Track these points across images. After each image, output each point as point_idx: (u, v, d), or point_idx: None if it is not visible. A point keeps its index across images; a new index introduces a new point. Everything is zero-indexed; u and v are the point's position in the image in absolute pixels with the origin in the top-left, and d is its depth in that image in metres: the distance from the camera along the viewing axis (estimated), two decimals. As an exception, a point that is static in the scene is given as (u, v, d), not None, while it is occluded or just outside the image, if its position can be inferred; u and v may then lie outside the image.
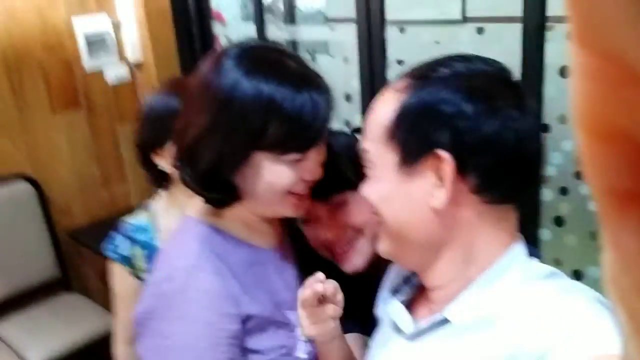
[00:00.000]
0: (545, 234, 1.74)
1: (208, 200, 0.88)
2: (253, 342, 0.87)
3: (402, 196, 0.67)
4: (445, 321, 0.69)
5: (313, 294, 0.82)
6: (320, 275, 0.84)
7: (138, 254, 1.31)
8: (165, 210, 1.35)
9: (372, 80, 2.05)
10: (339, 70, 2.20)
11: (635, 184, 0.14)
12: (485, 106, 0.62)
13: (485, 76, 0.65)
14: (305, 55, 2.30)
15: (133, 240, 1.31)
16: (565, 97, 1.56)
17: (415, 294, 0.80)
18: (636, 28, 0.12)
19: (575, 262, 1.68)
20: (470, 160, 0.63)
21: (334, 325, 0.88)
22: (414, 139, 0.65)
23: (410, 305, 0.79)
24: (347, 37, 2.08)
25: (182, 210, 1.03)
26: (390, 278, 0.88)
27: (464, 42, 1.77)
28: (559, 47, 1.53)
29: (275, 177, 0.81)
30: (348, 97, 2.20)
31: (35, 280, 2.38)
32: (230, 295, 0.83)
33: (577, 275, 1.65)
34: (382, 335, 0.83)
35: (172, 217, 1.23)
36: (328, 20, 2.22)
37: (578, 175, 1.63)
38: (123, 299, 1.34)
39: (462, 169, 0.63)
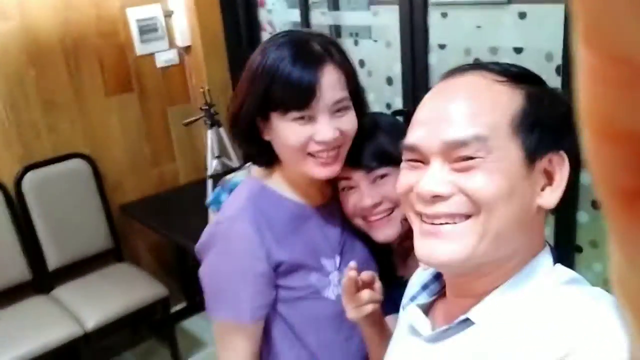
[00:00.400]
0: (583, 216, 1.76)
1: (254, 160, 1.08)
2: (284, 281, 1.04)
3: (520, 193, 0.64)
4: (467, 323, 0.68)
5: (349, 281, 0.92)
6: (353, 264, 0.94)
7: None
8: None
9: (414, 64, 2.09)
10: (381, 54, 2.24)
11: None
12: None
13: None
14: (348, 40, 2.36)
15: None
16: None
17: (433, 301, 0.81)
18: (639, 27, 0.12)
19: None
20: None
21: (371, 310, 0.95)
22: (545, 135, 0.64)
23: (427, 311, 0.79)
24: (390, 22, 2.12)
25: None
26: (412, 282, 0.90)
27: (506, 26, 1.79)
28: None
29: (286, 134, 0.96)
30: (389, 81, 2.25)
31: (91, 250, 2.55)
32: (262, 243, 1.00)
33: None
34: (400, 338, 0.84)
35: None
36: (371, 4, 2.27)
37: None
38: None
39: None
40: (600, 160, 0.14)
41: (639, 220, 0.14)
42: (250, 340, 1.05)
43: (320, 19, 2.45)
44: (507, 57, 1.79)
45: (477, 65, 0.71)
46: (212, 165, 2.36)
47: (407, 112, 2.07)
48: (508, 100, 0.65)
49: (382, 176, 1.05)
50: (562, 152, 0.64)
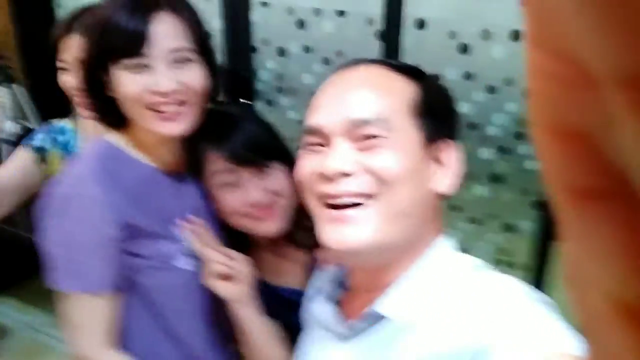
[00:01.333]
0: (481, 190, 1.82)
1: (102, 121, 1.03)
2: (134, 247, 1.00)
3: (419, 175, 0.67)
4: (380, 318, 0.68)
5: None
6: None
7: (56, 152, 1.38)
8: (94, 124, 1.35)
9: (236, 20, 2.01)
10: (198, 7, 2.11)
11: (591, 181, 0.14)
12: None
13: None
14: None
15: (55, 140, 1.38)
16: (420, 49, 1.69)
17: (343, 295, 0.81)
18: (585, 26, 0.12)
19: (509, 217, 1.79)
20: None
21: (216, 270, 1.00)
22: (439, 122, 0.70)
23: (339, 305, 0.79)
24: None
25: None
26: (316, 279, 0.89)
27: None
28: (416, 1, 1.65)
29: (121, 84, 0.94)
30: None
31: None
32: (113, 204, 0.96)
33: (510, 227, 1.79)
34: (313, 337, 0.83)
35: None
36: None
37: (518, 136, 1.70)
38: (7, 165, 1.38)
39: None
40: (551, 158, 0.15)
41: (587, 217, 0.14)
42: (104, 310, 1.01)
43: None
44: (330, 19, 1.82)
45: (371, 60, 0.75)
46: (7, 128, 2.03)
47: (232, 71, 2.00)
48: (403, 87, 0.69)
49: (265, 170, 1.04)
50: (450, 140, 0.70)
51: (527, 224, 1.74)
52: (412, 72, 0.72)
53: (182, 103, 0.95)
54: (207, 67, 0.99)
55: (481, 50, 1.63)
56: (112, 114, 1.00)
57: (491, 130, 1.70)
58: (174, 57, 0.93)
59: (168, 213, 1.05)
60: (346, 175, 0.65)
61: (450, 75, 1.70)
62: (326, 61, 1.86)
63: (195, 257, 1.07)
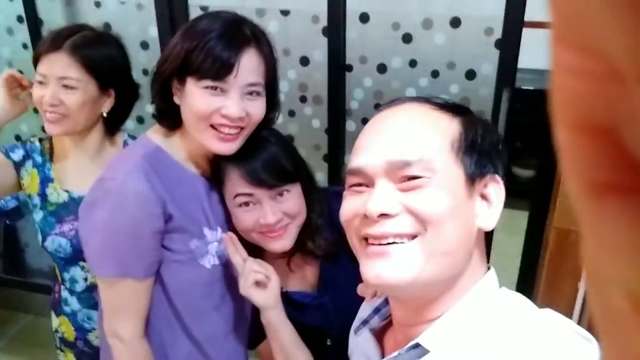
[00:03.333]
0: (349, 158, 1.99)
1: (159, 119, 1.09)
2: (166, 240, 1.07)
3: (464, 213, 0.66)
4: (419, 350, 0.67)
5: (228, 241, 1.07)
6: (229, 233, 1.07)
7: (32, 172, 1.40)
8: (63, 146, 1.41)
9: (173, 26, 1.99)
10: (132, 16, 2.07)
11: (614, 176, 0.14)
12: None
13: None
14: (87, 3, 2.10)
15: (32, 159, 1.41)
16: (364, 40, 1.79)
17: (385, 326, 0.80)
18: (614, 23, 0.12)
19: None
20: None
21: (252, 279, 1.04)
22: (484, 158, 0.67)
23: (379, 335, 0.78)
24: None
25: (88, 153, 1.38)
26: (361, 310, 0.89)
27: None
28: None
29: (195, 100, 1.00)
30: (145, 45, 2.10)
31: None
32: (158, 198, 1.02)
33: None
34: None
35: (69, 154, 1.40)
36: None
37: (377, 107, 1.89)
38: None
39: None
40: (574, 154, 0.15)
41: (607, 213, 0.14)
42: (144, 294, 1.08)
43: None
44: (275, 19, 1.86)
45: (413, 98, 0.74)
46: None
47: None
48: (446, 125, 0.68)
49: (282, 192, 1.08)
50: (497, 176, 0.68)
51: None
52: (455, 109, 0.71)
53: (241, 129, 1.03)
54: (270, 101, 1.08)
55: (423, 38, 1.75)
56: (170, 117, 1.07)
57: (353, 105, 1.88)
58: (248, 89, 1.02)
59: (201, 214, 1.11)
60: (388, 216, 0.65)
61: (396, 64, 1.81)
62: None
63: (220, 259, 1.13)
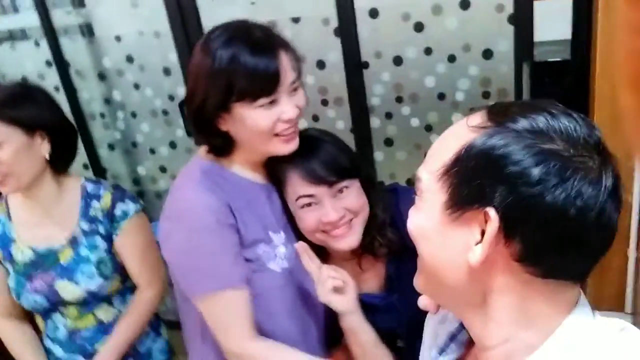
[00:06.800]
0: (379, 155, 2.01)
1: (211, 148, 1.10)
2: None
3: (440, 238, 0.62)
4: None
5: (303, 253, 1.07)
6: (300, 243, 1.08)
7: None
8: (19, 203, 1.40)
9: (191, 50, 2.04)
10: (151, 45, 2.14)
11: None
12: (555, 175, 0.54)
13: (567, 139, 0.56)
14: (106, 36, 2.18)
15: None
16: (376, 35, 1.79)
17: (463, 352, 0.76)
18: None
19: (407, 174, 1.97)
20: (518, 227, 0.56)
21: (331, 285, 1.05)
22: (467, 186, 0.59)
23: None
24: (152, 10, 2.03)
25: (44, 204, 1.37)
26: (434, 334, 0.82)
27: (280, -2, 1.89)
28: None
29: (254, 120, 1.01)
30: (167, 71, 2.17)
31: None
32: (228, 208, 1.05)
33: (410, 182, 1.93)
34: None
35: (26, 210, 1.39)
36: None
37: (399, 100, 1.90)
38: None
39: (507, 234, 0.57)
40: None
41: None
42: (244, 303, 1.07)
43: (66, 18, 2.20)
44: (286, 28, 1.89)
45: (488, 107, 0.64)
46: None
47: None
48: (453, 146, 0.61)
49: (342, 189, 1.10)
50: (487, 209, 0.57)
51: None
52: (492, 118, 0.61)
53: (296, 124, 1.06)
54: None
55: (435, 25, 1.75)
56: (223, 145, 1.08)
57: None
58: (292, 87, 1.03)
59: (265, 219, 1.12)
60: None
61: (411, 54, 1.82)
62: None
63: (289, 262, 1.13)
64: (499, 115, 0.60)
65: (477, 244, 0.59)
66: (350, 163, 1.12)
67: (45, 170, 1.35)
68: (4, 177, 1.28)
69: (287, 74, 1.01)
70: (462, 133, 0.61)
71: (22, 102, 1.31)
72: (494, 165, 0.57)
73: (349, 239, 1.11)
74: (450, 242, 0.62)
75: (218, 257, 1.04)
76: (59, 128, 1.36)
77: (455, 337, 0.76)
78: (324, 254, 1.16)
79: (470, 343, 0.73)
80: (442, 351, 0.76)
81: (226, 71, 0.98)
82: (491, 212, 0.56)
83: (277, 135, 1.04)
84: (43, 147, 1.32)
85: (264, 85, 0.99)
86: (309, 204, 1.10)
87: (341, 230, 1.10)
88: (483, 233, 0.58)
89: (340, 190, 1.10)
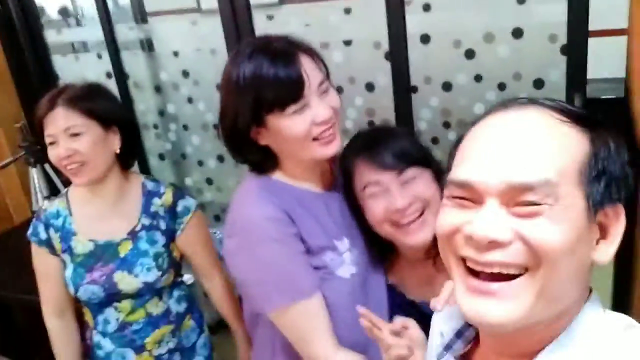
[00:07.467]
0: None
1: (251, 166, 1.13)
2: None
3: (583, 247, 0.58)
4: None
5: (366, 324, 0.96)
6: (362, 309, 0.98)
7: (54, 236, 1.45)
8: (81, 197, 1.46)
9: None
10: (207, 62, 2.22)
11: None
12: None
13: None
14: (165, 52, 2.28)
15: (52, 226, 1.45)
16: (428, 61, 1.81)
17: (469, 348, 0.74)
18: None
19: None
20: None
21: (395, 355, 0.94)
22: (608, 187, 0.58)
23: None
24: (212, 29, 2.10)
25: (109, 198, 1.43)
26: (439, 332, 0.80)
27: (333, 21, 1.93)
28: (417, 18, 1.78)
29: (289, 129, 1.03)
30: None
31: None
32: (288, 219, 1.06)
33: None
34: None
35: (88, 204, 1.45)
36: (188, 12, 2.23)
37: (446, 125, 1.91)
38: (44, 277, 1.49)
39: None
40: None
41: None
42: (320, 311, 1.07)
43: (128, 33, 2.31)
44: (339, 50, 1.93)
45: (534, 101, 0.63)
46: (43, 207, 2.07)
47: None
48: (576, 145, 0.59)
49: (411, 179, 1.08)
50: (619, 205, 0.59)
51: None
52: (584, 121, 0.61)
53: (333, 125, 1.06)
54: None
55: (486, 52, 1.76)
56: (266, 161, 1.10)
57: (421, 125, 1.86)
58: (321, 89, 1.04)
59: (328, 227, 1.12)
60: (498, 244, 0.57)
61: (461, 80, 1.82)
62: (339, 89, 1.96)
63: (358, 267, 1.13)
64: (586, 118, 0.62)
65: (597, 242, 0.60)
66: (419, 152, 1.10)
67: (115, 165, 1.42)
68: (80, 166, 1.34)
69: (312, 77, 1.02)
70: (562, 129, 0.60)
71: (98, 97, 1.40)
72: (625, 156, 0.61)
73: (421, 234, 1.06)
74: (585, 249, 0.59)
75: (287, 267, 1.05)
76: (129, 125, 1.46)
77: (462, 334, 0.75)
78: (396, 255, 1.13)
79: (476, 340, 0.73)
80: (448, 347, 0.75)
81: (251, 85, 1.00)
82: (621, 207, 0.60)
83: (316, 139, 1.04)
84: (115, 142, 1.40)
85: (289, 92, 1.00)
86: (377, 193, 1.08)
87: (412, 221, 1.06)
88: (602, 229, 0.60)
89: (409, 180, 1.07)
